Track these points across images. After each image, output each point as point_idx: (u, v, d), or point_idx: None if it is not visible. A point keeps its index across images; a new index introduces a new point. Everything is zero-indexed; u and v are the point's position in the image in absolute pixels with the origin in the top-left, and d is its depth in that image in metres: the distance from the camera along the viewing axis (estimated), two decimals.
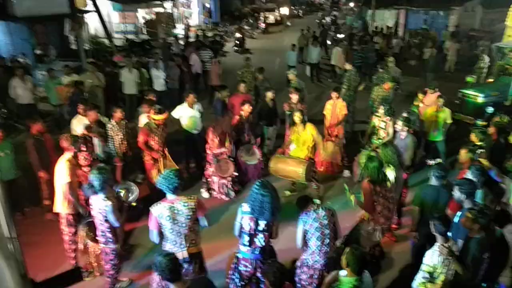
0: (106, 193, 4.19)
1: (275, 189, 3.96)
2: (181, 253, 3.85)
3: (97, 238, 4.51)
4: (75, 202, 4.83)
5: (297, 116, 6.46)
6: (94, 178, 4.14)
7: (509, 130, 6.21)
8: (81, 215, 4.90)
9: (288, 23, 35.49)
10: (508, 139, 5.88)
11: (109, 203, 4.13)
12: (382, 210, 4.58)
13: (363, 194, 4.64)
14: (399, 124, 5.90)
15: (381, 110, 6.88)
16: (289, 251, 5.24)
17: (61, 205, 4.90)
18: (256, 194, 3.82)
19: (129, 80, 10.27)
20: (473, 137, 5.73)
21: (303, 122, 6.47)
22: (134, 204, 4.85)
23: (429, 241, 4.19)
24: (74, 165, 4.85)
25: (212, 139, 6.65)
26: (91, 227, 4.59)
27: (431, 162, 5.51)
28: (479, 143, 5.58)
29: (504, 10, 13.36)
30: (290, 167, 6.34)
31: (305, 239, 4.05)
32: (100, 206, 4.17)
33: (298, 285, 4.24)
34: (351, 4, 37.81)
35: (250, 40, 25.24)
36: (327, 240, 4.00)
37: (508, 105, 9.24)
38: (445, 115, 7.44)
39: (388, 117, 6.82)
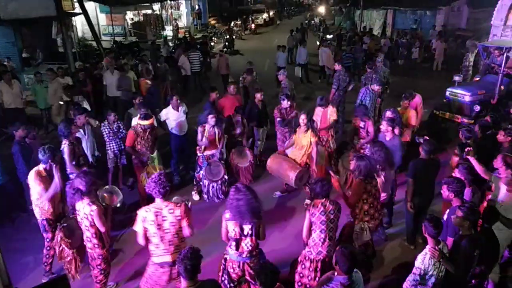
0: (92, 198, 4.17)
1: (253, 190, 3.98)
2: (163, 257, 3.93)
3: (72, 243, 4.49)
4: (55, 203, 4.80)
5: (301, 119, 6.40)
6: (79, 182, 4.12)
7: (495, 128, 6.29)
8: (58, 220, 4.81)
9: (278, 22, 35.73)
10: (495, 137, 5.94)
11: (95, 207, 4.10)
12: (368, 209, 4.59)
13: (352, 191, 4.65)
14: (383, 125, 5.94)
15: (359, 113, 6.93)
16: (281, 250, 5.27)
17: (35, 211, 4.85)
18: (232, 200, 3.86)
19: (112, 83, 10.19)
20: (460, 135, 5.81)
21: (307, 126, 6.37)
22: (118, 205, 4.80)
23: (422, 211, 5.29)
24: (44, 176, 4.72)
25: (201, 138, 6.61)
26: (69, 232, 4.55)
27: (420, 139, 5.84)
28: (466, 142, 5.65)
29: (490, 10, 13.56)
30: (284, 169, 6.35)
31: (309, 230, 4.11)
32: (85, 211, 4.13)
33: (299, 283, 4.26)
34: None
35: (239, 41, 25.26)
36: (331, 234, 4.09)
37: (494, 103, 9.36)
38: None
39: (366, 117, 6.88)
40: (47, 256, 5.00)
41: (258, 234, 3.99)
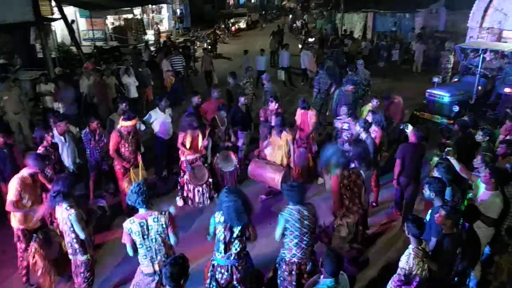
0: (70, 202, 4.06)
1: (244, 193, 3.97)
2: (151, 267, 3.89)
3: (46, 255, 4.39)
4: (23, 216, 4.68)
5: (273, 120, 6.45)
6: (58, 186, 4.03)
7: (474, 128, 6.43)
8: (35, 230, 4.68)
9: (264, 25, 35.83)
10: (474, 137, 6.07)
11: (73, 211, 4.00)
12: (349, 203, 4.68)
13: (332, 190, 4.71)
14: (357, 126, 6.02)
15: (343, 111, 6.97)
16: (267, 254, 5.25)
17: (12, 219, 4.74)
18: (224, 202, 3.83)
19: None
20: (440, 136, 5.92)
21: (280, 126, 6.42)
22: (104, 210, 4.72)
23: (406, 188, 5.98)
24: (27, 184, 4.60)
25: (183, 143, 6.56)
26: (45, 243, 4.44)
27: (405, 127, 6.29)
28: (446, 142, 5.76)
29: (466, 12, 13.88)
30: (268, 173, 6.37)
31: (284, 234, 4.10)
32: (64, 215, 4.04)
33: (281, 287, 4.25)
34: None
35: (222, 44, 25.21)
36: (305, 238, 4.08)
37: (473, 103, 9.59)
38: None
39: (350, 118, 6.94)
40: (21, 267, 4.87)
41: (248, 235, 3.98)
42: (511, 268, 3.82)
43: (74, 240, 4.12)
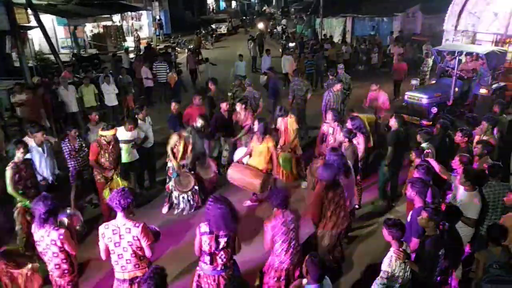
0: (55, 223, 3.91)
1: (230, 202, 3.94)
2: (122, 274, 3.86)
3: (18, 263, 4.23)
4: None
5: (256, 125, 6.42)
6: (46, 206, 3.82)
7: (453, 129, 6.56)
8: None
9: (249, 29, 35.91)
10: (453, 138, 6.19)
11: (63, 231, 3.85)
12: (331, 216, 4.60)
13: (314, 197, 4.66)
14: (341, 136, 6.00)
15: (329, 116, 7.03)
16: (252, 261, 5.24)
17: None
18: (211, 210, 3.78)
19: (68, 98, 9.89)
20: (419, 137, 6.00)
21: (261, 133, 6.37)
22: (78, 228, 4.61)
23: (394, 173, 6.70)
24: None
25: (177, 148, 6.48)
26: (8, 255, 4.28)
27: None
28: (425, 143, 5.85)
29: (442, 16, 14.21)
30: (247, 178, 6.32)
31: (272, 241, 4.09)
32: (52, 237, 3.84)
33: None
34: None
35: (203, 50, 25.16)
36: (293, 242, 4.11)
37: (450, 105, 9.80)
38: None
39: (336, 123, 6.89)
40: None
41: (234, 246, 3.93)
42: (487, 263, 3.88)
43: (64, 261, 3.95)
